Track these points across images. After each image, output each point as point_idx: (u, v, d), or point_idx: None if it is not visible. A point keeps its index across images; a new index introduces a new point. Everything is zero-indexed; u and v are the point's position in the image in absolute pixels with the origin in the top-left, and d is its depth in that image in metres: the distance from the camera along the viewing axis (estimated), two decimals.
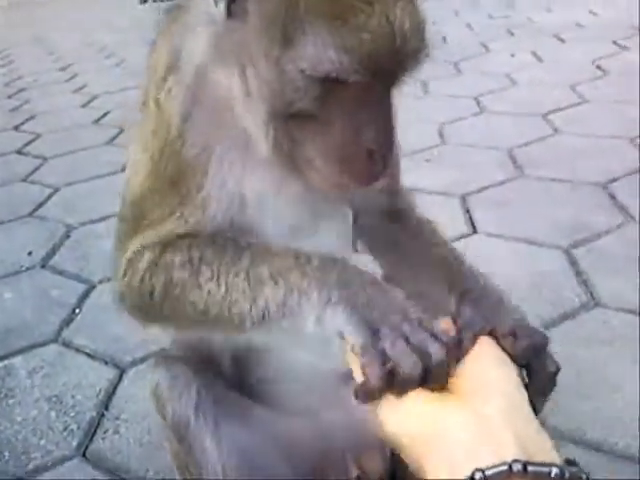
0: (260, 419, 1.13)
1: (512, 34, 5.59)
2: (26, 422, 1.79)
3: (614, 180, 2.74)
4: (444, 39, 5.66)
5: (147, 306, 0.97)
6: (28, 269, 2.56)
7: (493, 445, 0.67)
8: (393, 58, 0.81)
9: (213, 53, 0.90)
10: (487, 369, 0.77)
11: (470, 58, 4.93)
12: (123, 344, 2.06)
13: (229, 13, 0.84)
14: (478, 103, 3.93)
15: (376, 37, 0.78)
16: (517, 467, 0.62)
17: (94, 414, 1.80)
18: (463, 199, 2.76)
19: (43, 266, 2.57)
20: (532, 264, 2.27)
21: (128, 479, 1.60)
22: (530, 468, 0.63)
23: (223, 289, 0.88)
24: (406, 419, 0.75)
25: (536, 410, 0.77)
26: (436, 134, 3.51)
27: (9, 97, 5.08)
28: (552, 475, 0.63)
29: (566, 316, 1.97)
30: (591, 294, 2.05)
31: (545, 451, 0.68)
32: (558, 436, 1.56)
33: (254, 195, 0.96)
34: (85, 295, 2.35)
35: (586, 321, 1.94)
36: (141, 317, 1.03)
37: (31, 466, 1.65)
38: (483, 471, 0.63)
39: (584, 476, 0.66)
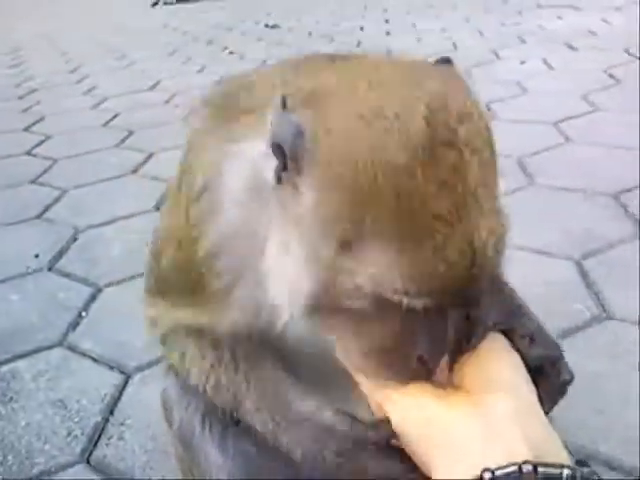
0: None
1: (523, 41, 5.57)
2: (30, 426, 1.78)
3: (626, 190, 2.71)
4: (455, 45, 5.66)
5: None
6: (35, 271, 2.56)
7: (502, 445, 0.65)
8: (467, 285, 0.68)
9: (253, 207, 0.79)
10: (498, 367, 0.76)
11: (481, 65, 4.91)
12: (129, 349, 2.05)
13: (279, 179, 0.72)
14: (488, 110, 3.91)
15: (452, 265, 0.65)
16: (527, 468, 0.61)
17: (99, 419, 1.79)
18: None
19: (50, 269, 2.56)
20: (542, 274, 2.24)
21: None
22: (541, 469, 0.61)
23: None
24: (413, 416, 0.73)
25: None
26: None
27: (20, 98, 5.09)
28: (564, 476, 0.61)
29: (577, 329, 1.94)
30: (602, 306, 2.02)
31: (556, 452, 0.67)
32: (571, 450, 1.54)
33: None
34: (92, 299, 2.34)
35: (597, 334, 1.91)
36: None
37: (35, 471, 1.64)
38: (493, 471, 0.61)
39: (596, 477, 0.64)
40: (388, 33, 6.57)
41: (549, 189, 2.85)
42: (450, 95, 0.72)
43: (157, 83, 5.38)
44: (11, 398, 1.89)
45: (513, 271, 2.26)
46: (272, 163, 0.72)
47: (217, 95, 0.97)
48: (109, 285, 2.40)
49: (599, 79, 4.22)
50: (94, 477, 1.62)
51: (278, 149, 0.70)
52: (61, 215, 3.04)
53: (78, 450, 1.70)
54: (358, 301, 0.71)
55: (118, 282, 2.42)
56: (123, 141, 3.99)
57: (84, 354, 2.06)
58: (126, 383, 1.92)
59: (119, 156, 3.74)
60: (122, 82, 5.47)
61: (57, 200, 3.19)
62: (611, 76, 4.26)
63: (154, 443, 1.69)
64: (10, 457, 1.68)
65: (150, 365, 1.96)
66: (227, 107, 0.88)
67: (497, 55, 5.18)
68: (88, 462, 1.66)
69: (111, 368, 1.98)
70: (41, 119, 4.49)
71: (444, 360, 0.77)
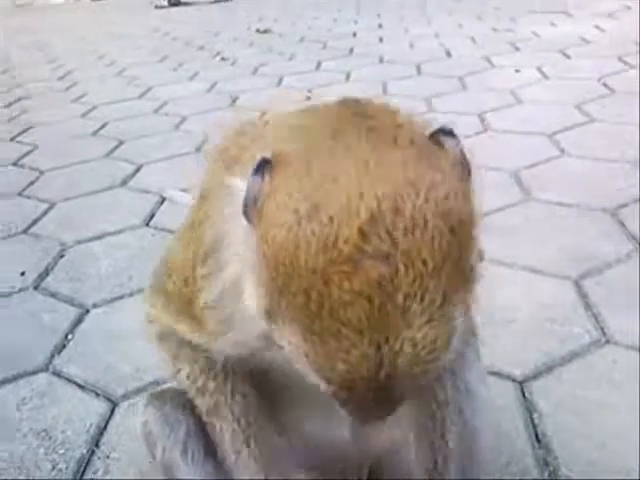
0: None
1: (517, 48, 5.54)
2: (13, 459, 1.72)
3: (623, 206, 2.68)
4: (448, 52, 5.63)
5: None
6: (21, 290, 2.49)
7: None
8: (373, 387, 0.67)
9: (242, 257, 0.80)
10: None
11: (475, 73, 4.88)
12: (116, 374, 1.99)
13: (248, 219, 0.73)
14: (482, 120, 3.88)
15: (353, 369, 0.66)
16: None
17: (84, 451, 1.73)
18: None
19: (36, 287, 2.50)
20: (538, 295, 2.20)
21: None
22: None
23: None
24: None
25: None
26: None
27: (7, 106, 5.01)
28: None
29: (575, 354, 1.90)
30: (602, 330, 1.97)
31: None
32: None
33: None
34: (78, 320, 2.28)
35: (596, 360, 1.87)
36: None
37: None
38: None
39: None
40: (381, 39, 6.54)
41: (545, 204, 2.81)
42: (411, 197, 0.66)
43: (147, 90, 5.31)
44: None
45: (508, 291, 2.24)
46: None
47: (231, 145, 0.95)
48: (96, 306, 2.34)
49: (593, 88, 4.19)
50: None
51: (245, 207, 0.74)
52: (48, 229, 2.98)
53: None
54: (292, 364, 0.74)
55: (106, 302, 2.36)
56: (112, 151, 3.92)
57: (69, 380, 2.00)
58: (112, 412, 1.85)
59: (108, 167, 3.68)
60: (112, 89, 5.41)
61: (44, 214, 3.12)
62: (605, 85, 4.23)
63: (142, 476, 1.64)
64: None
65: (138, 392, 1.90)
66: (234, 160, 0.89)
67: (491, 62, 5.15)
68: None
69: (97, 395, 1.92)
70: (28, 128, 4.42)
71: None
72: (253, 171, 0.72)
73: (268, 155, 0.73)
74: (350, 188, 0.66)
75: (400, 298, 0.64)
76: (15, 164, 3.80)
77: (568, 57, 5.08)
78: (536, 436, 1.65)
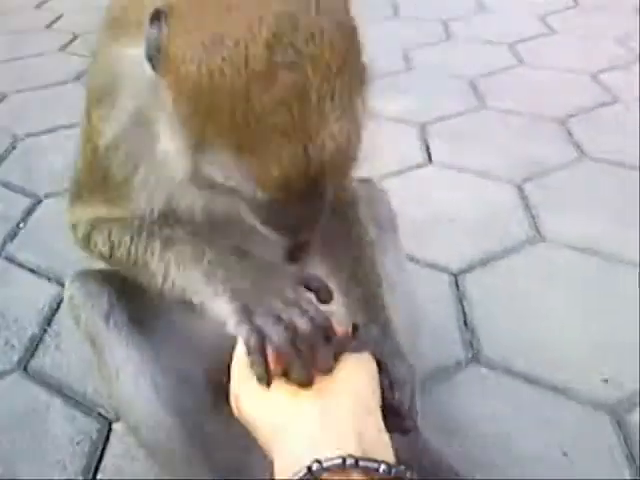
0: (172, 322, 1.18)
1: None
2: None
3: (572, 115, 2.74)
4: None
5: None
6: None
7: (335, 439, 0.73)
8: (305, 184, 0.76)
9: (144, 99, 0.85)
10: (348, 372, 0.82)
11: None
12: (67, 260, 2.01)
13: (153, 67, 0.78)
14: (446, 28, 3.84)
15: (287, 168, 0.73)
16: (350, 461, 0.69)
17: (36, 330, 1.80)
18: (422, 127, 2.73)
19: None
20: (484, 197, 2.28)
21: (69, 395, 1.61)
22: (361, 463, 0.69)
23: (140, 266, 1.02)
24: (260, 405, 0.81)
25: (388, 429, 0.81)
26: (401, 58, 3.43)
27: None
28: (380, 471, 0.69)
29: (510, 250, 2.00)
30: (537, 229, 2.08)
31: (382, 450, 0.74)
32: (490, 366, 1.63)
33: (181, 209, 1.01)
34: (30, 210, 2.29)
35: (529, 255, 1.98)
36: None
37: None
38: (321, 462, 0.68)
39: (408, 474, 0.72)
40: None
41: (498, 112, 2.85)
42: (305, 13, 0.74)
43: None
44: None
45: (455, 192, 2.31)
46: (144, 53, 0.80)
47: (115, 9, 0.99)
48: (48, 196, 2.35)
49: (559, 1, 4.16)
50: (31, 386, 1.64)
51: (149, 58, 0.79)
52: (0, 122, 2.92)
53: (15, 359, 1.71)
54: (216, 196, 0.85)
55: (58, 193, 2.36)
56: (67, 45, 3.79)
57: (22, 265, 2.04)
58: (63, 295, 1.91)
59: (62, 61, 3.57)
60: None
61: None
62: None
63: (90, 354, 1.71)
64: None
65: None
66: (121, 20, 0.93)
67: None
68: (25, 370, 1.68)
69: (49, 280, 1.97)
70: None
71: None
72: (149, 23, 0.77)
73: (161, 6, 0.77)
74: (249, 15, 0.72)
75: (314, 99, 0.72)
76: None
77: None
78: (465, 322, 1.76)
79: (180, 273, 0.97)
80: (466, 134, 2.69)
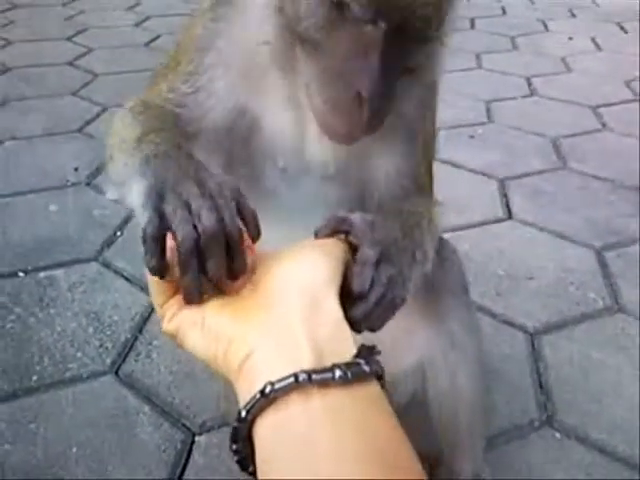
0: None
1: (573, 15, 5.47)
2: (65, 333, 1.90)
3: None
4: (503, 10, 5.56)
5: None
6: (74, 184, 2.64)
7: (290, 353, 0.66)
8: (406, 8, 0.80)
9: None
10: (291, 266, 0.74)
11: (527, 35, 4.85)
12: None
13: None
14: (529, 84, 3.91)
15: None
16: (303, 377, 0.62)
17: (129, 336, 1.91)
18: (502, 182, 2.79)
19: (88, 184, 2.64)
20: (562, 259, 2.32)
21: (156, 403, 1.71)
22: (315, 376, 0.63)
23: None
24: (205, 336, 0.72)
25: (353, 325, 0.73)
26: (484, 111, 3.51)
27: (63, 5, 5.05)
28: (336, 378, 0.63)
29: (587, 316, 2.03)
30: (615, 299, 2.10)
31: (340, 348, 0.67)
32: (563, 431, 1.66)
33: (242, 103, 0.99)
34: (127, 219, 2.43)
35: (606, 325, 2.00)
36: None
37: (68, 375, 1.76)
38: (273, 384, 0.63)
39: (367, 368, 0.65)
40: None
41: (579, 174, 2.89)
42: None
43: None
44: (48, 304, 2.00)
45: (534, 250, 2.35)
46: None
47: None
48: None
49: None
50: (121, 389, 1.74)
51: None
52: (100, 131, 3.09)
53: (108, 362, 1.82)
54: (315, 17, 0.84)
55: None
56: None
57: (117, 272, 2.16)
58: None
59: None
60: (166, 2, 5.41)
61: (97, 116, 3.24)
62: None
63: (179, 366, 1.81)
64: (46, 359, 1.80)
65: None
66: None
67: (545, 26, 5.10)
68: (117, 374, 1.78)
69: (142, 289, 2.08)
70: (84, 30, 4.47)
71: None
72: None
73: None
74: None
75: None
76: (70, 64, 3.89)
77: (625, 31, 5.02)
78: (539, 383, 1.80)
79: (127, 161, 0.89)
80: (546, 193, 2.74)
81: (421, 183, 1.08)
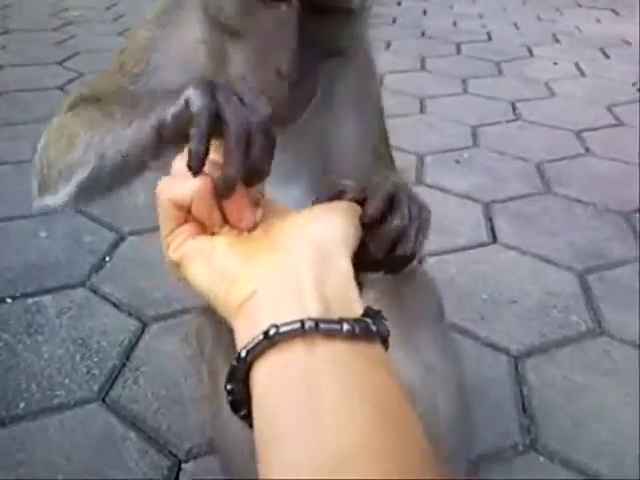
0: None
1: (557, 40, 5.57)
2: (52, 360, 1.91)
3: (638, 211, 2.81)
4: (489, 36, 5.67)
5: None
6: (63, 211, 2.64)
7: (296, 300, 0.63)
8: None
9: None
10: (303, 221, 0.72)
11: (513, 60, 4.94)
12: (148, 298, 2.17)
13: None
14: (514, 109, 3.97)
15: None
16: (309, 324, 0.60)
17: (116, 362, 1.91)
18: (487, 206, 2.84)
19: (78, 210, 2.66)
20: (545, 282, 2.35)
21: (143, 430, 1.72)
22: (322, 325, 0.60)
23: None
24: (208, 268, 0.69)
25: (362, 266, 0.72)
26: (469, 135, 3.57)
27: (54, 29, 5.11)
28: (343, 331, 0.61)
29: (570, 340, 2.06)
30: (598, 322, 2.14)
31: (348, 306, 0.65)
32: (547, 455, 1.68)
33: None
34: (115, 244, 2.45)
35: (590, 348, 2.03)
36: None
37: (55, 402, 1.77)
38: (278, 327, 0.61)
39: (374, 328, 0.63)
40: (425, 12, 6.55)
41: (563, 199, 2.94)
42: None
43: None
44: (36, 330, 2.01)
45: (518, 274, 2.38)
46: None
47: None
48: (133, 233, 2.51)
49: (628, 92, 4.27)
50: (108, 416, 1.75)
51: None
52: None
53: (96, 388, 1.82)
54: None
55: (141, 231, 2.52)
56: None
57: (105, 297, 2.18)
58: (143, 331, 2.03)
59: None
60: None
61: None
62: None
63: (166, 392, 1.82)
64: (33, 386, 1.81)
65: (167, 317, 2.08)
66: None
67: (530, 51, 5.20)
68: (104, 401, 1.79)
69: (130, 315, 2.10)
70: (75, 54, 4.52)
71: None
72: None
73: None
74: None
75: None
76: (61, 89, 3.92)
77: (607, 57, 5.13)
78: (523, 407, 1.82)
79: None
80: (530, 217, 2.78)
81: (380, 152, 1.16)
